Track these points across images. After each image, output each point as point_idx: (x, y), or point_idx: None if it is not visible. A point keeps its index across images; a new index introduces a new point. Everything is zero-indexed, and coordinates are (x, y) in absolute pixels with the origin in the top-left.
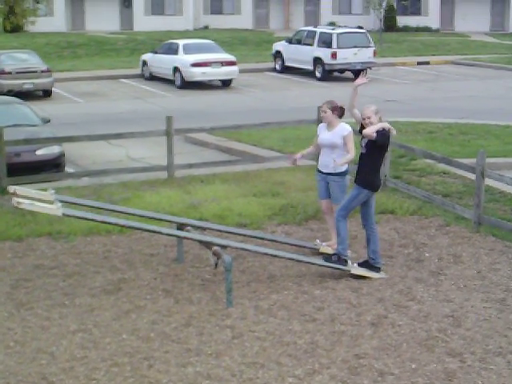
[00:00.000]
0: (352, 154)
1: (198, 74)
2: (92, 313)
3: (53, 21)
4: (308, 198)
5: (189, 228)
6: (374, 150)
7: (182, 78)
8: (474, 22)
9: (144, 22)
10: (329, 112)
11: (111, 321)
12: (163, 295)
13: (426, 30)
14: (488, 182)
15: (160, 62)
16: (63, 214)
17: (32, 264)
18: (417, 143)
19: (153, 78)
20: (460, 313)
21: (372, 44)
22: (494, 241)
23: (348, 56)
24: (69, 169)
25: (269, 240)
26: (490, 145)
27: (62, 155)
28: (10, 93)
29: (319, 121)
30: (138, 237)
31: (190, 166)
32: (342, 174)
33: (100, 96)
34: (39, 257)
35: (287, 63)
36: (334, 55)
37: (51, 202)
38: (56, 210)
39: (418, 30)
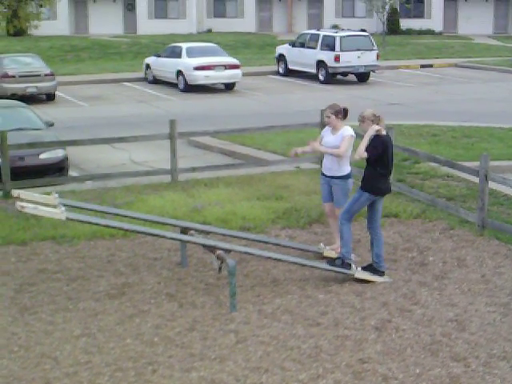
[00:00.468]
0: (340, 150)
1: (202, 78)
2: (96, 317)
3: (56, 24)
4: (312, 202)
5: (192, 232)
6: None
7: (185, 81)
8: (477, 24)
9: (147, 25)
10: (332, 117)
11: (115, 325)
12: (167, 299)
13: (429, 32)
14: (492, 185)
15: (163, 66)
16: (67, 218)
17: (36, 268)
18: (420, 146)
19: (156, 81)
20: (464, 317)
21: (375, 47)
22: (498, 244)
23: (351, 59)
24: (72, 173)
25: (272, 244)
26: (494, 148)
27: (65, 159)
28: (14, 96)
29: (323, 124)
30: (141, 241)
31: (194, 169)
32: (345, 178)
33: (103, 100)
34: (43, 261)
35: (290, 66)
36: (337, 58)
37: (55, 206)
38: (60, 213)
39: (421, 32)
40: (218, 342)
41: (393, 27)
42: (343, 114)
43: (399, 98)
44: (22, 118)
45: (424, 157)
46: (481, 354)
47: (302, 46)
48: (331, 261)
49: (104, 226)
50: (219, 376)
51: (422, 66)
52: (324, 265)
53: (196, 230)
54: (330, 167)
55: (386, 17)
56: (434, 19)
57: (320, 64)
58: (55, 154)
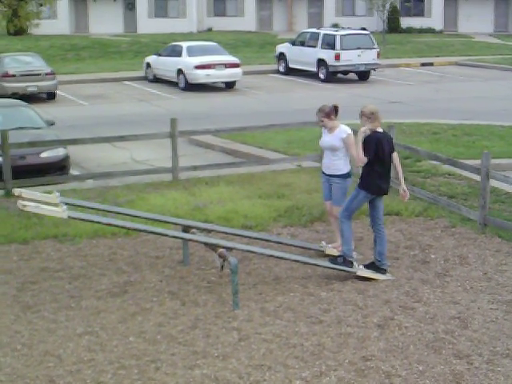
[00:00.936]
0: (358, 156)
1: (202, 76)
2: (98, 315)
3: (56, 23)
4: (313, 200)
5: (194, 230)
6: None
7: (185, 80)
8: (477, 23)
9: (148, 24)
10: (325, 120)
11: (117, 323)
12: (169, 297)
13: (430, 31)
14: (493, 183)
15: (164, 65)
16: (68, 217)
17: (38, 267)
18: (421, 144)
19: (157, 80)
20: (467, 314)
21: (376, 45)
22: (499, 242)
23: (352, 57)
24: (74, 171)
25: (274, 242)
26: (495, 146)
27: (66, 158)
28: (14, 96)
29: None
30: (143, 239)
31: (195, 168)
32: (344, 176)
33: (104, 98)
34: (45, 259)
35: (291, 65)
36: (337, 57)
37: (56, 205)
38: (61, 212)
39: (421, 31)
40: (220, 339)
41: (393, 25)
42: (334, 112)
43: (400, 97)
44: (22, 116)
45: (425, 155)
46: (484, 352)
47: (303, 44)
48: (333, 259)
49: (106, 224)
50: (222, 373)
51: (423, 65)
52: (326, 263)
53: (198, 229)
54: (328, 166)
55: (386, 15)
56: (435, 17)
57: (320, 62)
58: (56, 153)
